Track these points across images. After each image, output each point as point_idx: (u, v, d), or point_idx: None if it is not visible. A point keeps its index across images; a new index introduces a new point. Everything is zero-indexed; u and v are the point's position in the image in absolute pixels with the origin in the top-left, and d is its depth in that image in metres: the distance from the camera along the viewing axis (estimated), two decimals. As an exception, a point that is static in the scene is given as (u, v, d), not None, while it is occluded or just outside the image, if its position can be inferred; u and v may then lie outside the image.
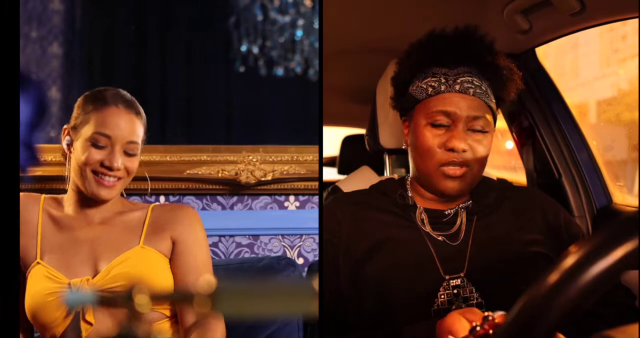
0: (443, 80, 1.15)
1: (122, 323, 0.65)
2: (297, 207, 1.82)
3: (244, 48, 1.89)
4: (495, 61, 1.18)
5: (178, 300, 0.81)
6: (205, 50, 1.91)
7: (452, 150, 1.12)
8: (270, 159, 1.79)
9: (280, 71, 1.91)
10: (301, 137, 1.83)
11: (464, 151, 1.12)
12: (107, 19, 1.88)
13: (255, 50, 1.90)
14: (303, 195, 1.82)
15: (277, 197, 1.81)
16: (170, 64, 1.89)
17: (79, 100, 1.34)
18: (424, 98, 1.17)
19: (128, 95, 1.35)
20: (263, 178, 1.78)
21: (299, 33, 1.91)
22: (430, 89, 1.16)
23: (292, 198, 1.82)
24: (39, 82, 1.70)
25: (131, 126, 1.31)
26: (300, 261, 1.80)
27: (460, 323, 0.92)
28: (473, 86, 1.15)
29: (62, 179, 1.38)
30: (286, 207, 1.82)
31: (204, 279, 0.66)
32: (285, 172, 1.79)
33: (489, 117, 1.16)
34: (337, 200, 1.30)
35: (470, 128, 1.14)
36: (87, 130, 1.29)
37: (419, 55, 1.19)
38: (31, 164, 0.71)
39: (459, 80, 1.15)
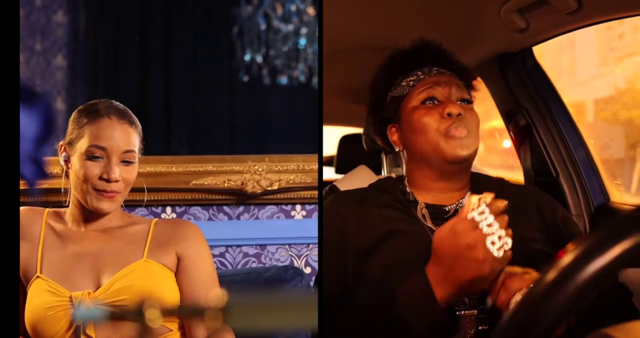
0: (420, 74, 1.27)
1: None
2: (303, 216, 1.81)
3: (247, 57, 1.89)
4: (454, 59, 1.32)
5: (189, 314, 0.81)
6: (209, 60, 1.91)
7: (449, 115, 1.19)
8: (276, 169, 1.79)
9: (284, 80, 1.91)
10: (306, 145, 1.82)
11: (460, 114, 1.19)
12: (110, 30, 1.88)
13: (259, 59, 1.90)
14: (309, 204, 1.81)
15: (283, 207, 1.81)
16: (174, 74, 1.89)
17: (73, 114, 1.34)
18: (407, 92, 1.27)
19: (121, 105, 1.35)
20: (269, 188, 1.77)
21: (302, 41, 1.91)
22: (411, 83, 1.27)
23: (298, 207, 1.81)
24: (46, 96, 1.70)
25: (125, 136, 1.30)
26: (308, 270, 1.79)
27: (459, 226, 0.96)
28: (445, 71, 1.28)
29: (66, 191, 1.37)
30: (293, 216, 1.81)
31: (215, 293, 0.65)
32: (291, 181, 1.78)
33: (467, 91, 1.28)
34: (339, 198, 1.31)
35: (458, 99, 1.23)
36: (82, 144, 1.29)
37: (391, 70, 1.32)
38: (39, 177, 0.71)
39: (434, 70, 1.28)
